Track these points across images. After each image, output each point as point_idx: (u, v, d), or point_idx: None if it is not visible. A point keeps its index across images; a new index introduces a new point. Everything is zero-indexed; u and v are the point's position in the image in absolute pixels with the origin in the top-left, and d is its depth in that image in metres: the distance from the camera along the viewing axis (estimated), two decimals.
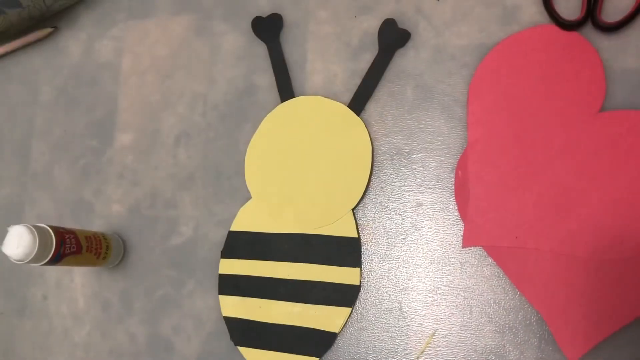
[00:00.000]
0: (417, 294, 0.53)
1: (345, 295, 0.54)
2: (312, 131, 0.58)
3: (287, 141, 0.58)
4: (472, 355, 0.51)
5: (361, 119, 0.57)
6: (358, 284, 0.54)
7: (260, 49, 0.61)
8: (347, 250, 0.55)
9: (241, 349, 0.56)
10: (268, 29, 0.61)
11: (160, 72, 0.64)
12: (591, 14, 0.52)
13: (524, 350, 0.51)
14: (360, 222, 0.56)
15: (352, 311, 0.54)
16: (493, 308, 0.52)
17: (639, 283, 0.49)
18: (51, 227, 0.53)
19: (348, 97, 0.58)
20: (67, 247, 0.54)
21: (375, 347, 0.54)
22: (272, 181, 0.58)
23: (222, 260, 0.58)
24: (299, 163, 0.57)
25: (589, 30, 0.53)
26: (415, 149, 0.56)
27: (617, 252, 0.50)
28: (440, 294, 0.53)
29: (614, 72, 0.52)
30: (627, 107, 0.51)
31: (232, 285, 0.57)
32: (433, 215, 0.54)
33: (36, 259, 0.51)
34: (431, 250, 0.54)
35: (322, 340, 0.54)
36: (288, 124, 0.58)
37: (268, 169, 0.58)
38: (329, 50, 0.59)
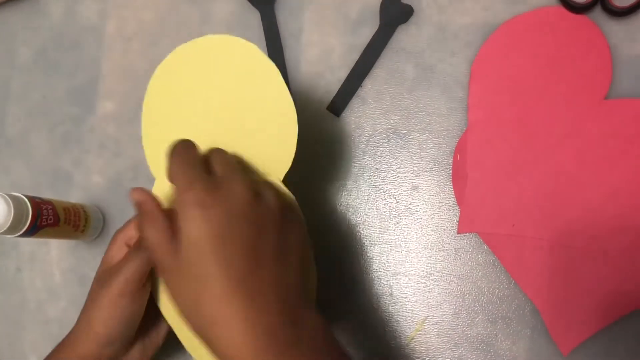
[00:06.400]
0: (409, 279, 0.52)
1: None
2: (220, 85, 0.45)
3: (191, 101, 0.46)
4: (463, 343, 0.50)
5: (357, 96, 0.55)
6: None
7: (253, 17, 0.58)
8: None
9: None
10: None
11: (147, 38, 0.60)
12: None
13: (516, 340, 0.50)
14: (353, 203, 0.54)
15: None
16: (486, 296, 0.50)
17: (636, 275, 0.48)
18: (27, 196, 0.50)
19: (345, 72, 0.55)
20: (44, 218, 0.51)
21: (364, 332, 0.52)
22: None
23: None
24: (211, 127, 0.46)
25: (598, 13, 0.51)
26: (413, 130, 0.54)
27: (614, 243, 0.49)
28: (432, 280, 0.52)
29: (622, 59, 0.50)
30: (633, 95, 0.50)
31: None
32: (429, 199, 0.53)
33: (10, 230, 0.48)
34: (425, 235, 0.52)
35: None
36: (188, 79, 0.46)
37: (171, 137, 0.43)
38: (326, 22, 0.56)
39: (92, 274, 0.58)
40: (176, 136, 0.42)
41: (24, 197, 0.50)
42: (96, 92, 0.61)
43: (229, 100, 0.45)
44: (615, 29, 0.51)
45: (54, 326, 0.58)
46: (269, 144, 0.44)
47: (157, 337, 0.48)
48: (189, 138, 0.42)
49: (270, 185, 0.40)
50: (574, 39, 0.51)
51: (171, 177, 0.38)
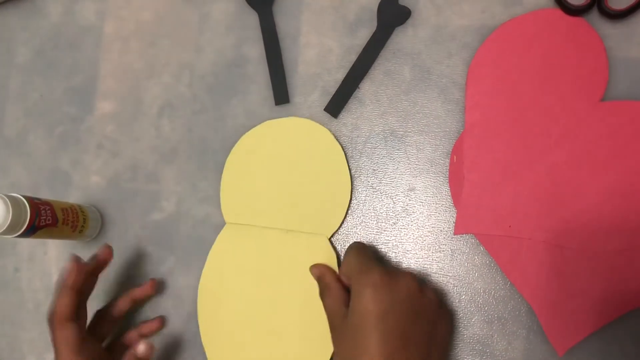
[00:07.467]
0: None
1: None
2: (291, 159, 0.55)
3: (266, 167, 0.55)
4: (459, 344, 0.51)
5: (355, 97, 0.55)
6: None
7: (252, 19, 0.58)
8: None
9: None
10: None
11: (145, 38, 0.61)
12: (597, 0, 0.51)
13: (511, 340, 0.50)
14: (350, 205, 0.54)
15: None
16: (483, 297, 0.51)
17: (631, 276, 0.48)
18: (25, 197, 0.50)
19: (342, 73, 0.55)
20: (42, 219, 0.51)
21: None
22: (250, 207, 0.55)
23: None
24: (278, 189, 0.55)
25: (594, 16, 0.51)
26: (410, 131, 0.54)
27: (610, 244, 0.49)
28: (429, 281, 0.52)
29: (618, 61, 0.51)
30: (629, 97, 0.50)
31: None
32: (425, 200, 0.53)
33: (8, 230, 0.48)
34: (422, 236, 0.52)
35: None
36: (266, 149, 0.56)
37: (246, 193, 0.56)
38: (324, 23, 0.56)
39: None
40: (250, 195, 0.55)
41: (22, 198, 0.50)
42: (94, 93, 0.61)
43: (295, 169, 0.55)
44: (612, 32, 0.51)
45: None
46: (324, 209, 0.53)
47: None
48: (262, 198, 0.55)
49: (429, 285, 0.50)
50: (571, 41, 0.51)
51: (350, 265, 0.47)
